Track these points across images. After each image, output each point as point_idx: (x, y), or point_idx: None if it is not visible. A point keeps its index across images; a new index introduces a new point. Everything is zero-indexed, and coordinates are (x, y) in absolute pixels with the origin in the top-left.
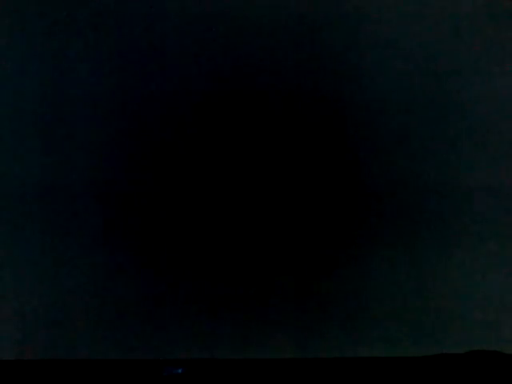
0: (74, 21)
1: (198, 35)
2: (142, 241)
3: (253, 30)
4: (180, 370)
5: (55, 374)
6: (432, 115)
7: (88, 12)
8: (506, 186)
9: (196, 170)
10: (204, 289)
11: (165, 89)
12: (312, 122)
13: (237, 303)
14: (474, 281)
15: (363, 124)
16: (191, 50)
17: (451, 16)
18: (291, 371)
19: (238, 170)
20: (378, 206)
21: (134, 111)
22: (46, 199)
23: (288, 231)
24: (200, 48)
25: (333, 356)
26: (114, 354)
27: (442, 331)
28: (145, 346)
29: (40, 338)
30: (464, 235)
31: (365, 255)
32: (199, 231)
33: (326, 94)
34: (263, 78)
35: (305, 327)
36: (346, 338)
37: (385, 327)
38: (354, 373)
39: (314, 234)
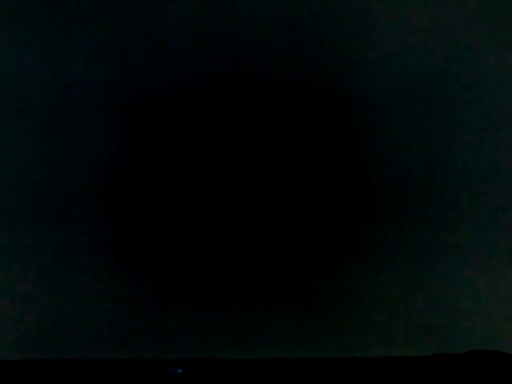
0: (74, 19)
1: (199, 32)
2: (143, 242)
3: (254, 30)
4: (180, 370)
5: (55, 374)
6: (434, 113)
7: (90, 13)
8: (507, 184)
9: (197, 170)
10: (204, 289)
11: (165, 92)
12: (313, 121)
13: (237, 304)
14: (474, 281)
15: (364, 123)
16: (193, 48)
17: (451, 15)
18: (291, 371)
19: (239, 170)
20: (378, 207)
21: (135, 111)
22: (46, 200)
23: (288, 233)
24: (201, 45)
25: (333, 356)
26: (114, 354)
27: (442, 331)
28: (145, 346)
29: (40, 337)
30: (464, 236)
31: (365, 256)
32: (199, 232)
33: (328, 92)
34: (265, 76)
35: (304, 327)
36: (345, 338)
37: (385, 327)
38: (353, 373)
39: (314, 236)
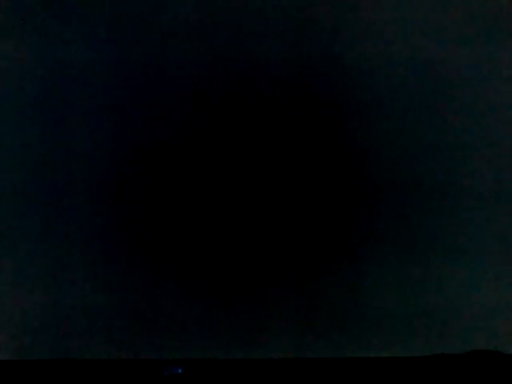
0: (74, 18)
1: (199, 34)
2: (143, 242)
3: (255, 30)
4: (180, 370)
5: (55, 374)
6: (434, 117)
7: (91, 13)
8: (506, 187)
9: (197, 170)
10: (204, 289)
11: (165, 93)
12: (313, 122)
13: (237, 304)
14: (474, 281)
15: (364, 126)
16: (193, 49)
17: (451, 15)
18: (291, 371)
19: (240, 170)
20: (378, 208)
21: (136, 111)
22: (46, 200)
23: (288, 233)
24: (202, 46)
25: (333, 356)
26: (114, 354)
27: (442, 331)
28: (145, 346)
29: (40, 338)
30: (464, 237)
31: (365, 256)
32: (199, 232)
33: (326, 94)
34: (265, 77)
35: (305, 327)
36: (345, 338)
37: (384, 327)
38: (353, 373)
39: (314, 236)
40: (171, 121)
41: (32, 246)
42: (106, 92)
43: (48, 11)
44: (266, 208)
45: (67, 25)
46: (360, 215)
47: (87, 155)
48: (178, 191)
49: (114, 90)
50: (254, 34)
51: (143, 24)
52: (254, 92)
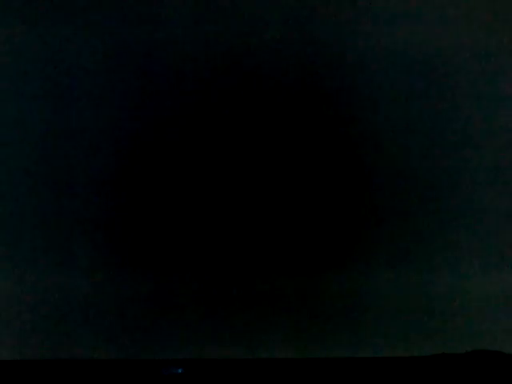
0: (72, 16)
1: (198, 28)
2: (142, 240)
3: (254, 27)
4: (180, 370)
5: (55, 374)
6: (434, 113)
7: (89, 10)
8: (507, 184)
9: (196, 168)
10: (204, 289)
11: (162, 90)
12: (313, 119)
13: (237, 303)
14: (474, 281)
15: (365, 124)
16: (192, 45)
17: (452, 13)
18: (291, 371)
19: (238, 169)
20: (378, 206)
21: (134, 110)
22: (45, 198)
23: (288, 231)
24: (200, 42)
25: (333, 356)
26: (114, 354)
27: (442, 331)
28: (145, 346)
29: (40, 338)
30: (464, 235)
31: (365, 255)
32: (199, 231)
33: (328, 92)
34: (264, 74)
35: (305, 327)
36: (346, 338)
37: (385, 327)
38: (354, 373)
39: (314, 235)
40: (174, 116)
41: (32, 245)
42: (106, 85)
43: (48, 7)
44: (266, 207)
45: (66, 22)
46: (359, 214)
47: (87, 153)
48: (181, 188)
49: (114, 83)
50: (253, 31)
51: (142, 17)
52: (253, 88)
